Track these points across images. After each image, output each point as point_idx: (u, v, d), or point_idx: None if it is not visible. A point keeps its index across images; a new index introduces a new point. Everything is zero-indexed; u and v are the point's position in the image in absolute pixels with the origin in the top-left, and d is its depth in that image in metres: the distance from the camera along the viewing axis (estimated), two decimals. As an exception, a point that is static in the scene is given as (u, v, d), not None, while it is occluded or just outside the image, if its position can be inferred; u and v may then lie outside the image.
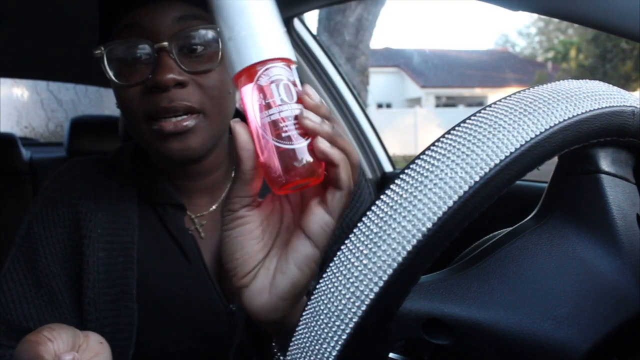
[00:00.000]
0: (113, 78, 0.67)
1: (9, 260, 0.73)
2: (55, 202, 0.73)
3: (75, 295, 0.71)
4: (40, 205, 0.74)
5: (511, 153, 0.32)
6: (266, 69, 0.42)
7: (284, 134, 0.41)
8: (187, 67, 0.66)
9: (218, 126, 0.69)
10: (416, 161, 0.33)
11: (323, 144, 0.42)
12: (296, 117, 0.42)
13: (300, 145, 0.42)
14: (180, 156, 0.68)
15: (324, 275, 0.33)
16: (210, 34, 0.67)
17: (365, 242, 0.32)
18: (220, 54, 0.66)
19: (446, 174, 0.32)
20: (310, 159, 0.42)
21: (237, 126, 0.42)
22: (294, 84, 0.43)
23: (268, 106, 0.42)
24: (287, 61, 0.43)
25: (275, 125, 0.41)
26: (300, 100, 0.43)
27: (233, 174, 0.78)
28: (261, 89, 0.42)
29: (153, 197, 0.75)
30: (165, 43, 0.65)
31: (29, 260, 0.72)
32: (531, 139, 0.32)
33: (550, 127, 0.33)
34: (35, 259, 0.72)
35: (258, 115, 0.42)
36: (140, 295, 0.71)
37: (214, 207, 0.76)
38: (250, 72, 0.42)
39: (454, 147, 0.33)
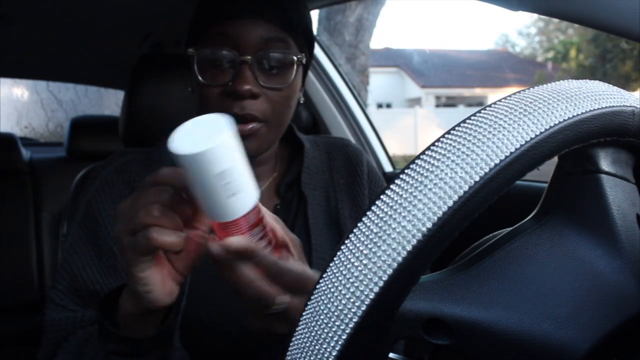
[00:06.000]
0: (199, 76, 0.76)
1: (70, 237, 0.81)
2: (112, 181, 0.81)
3: None
4: (97, 185, 0.82)
5: (511, 153, 0.32)
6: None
7: None
8: (263, 82, 0.75)
9: (275, 134, 0.80)
10: (416, 161, 0.33)
11: None
12: None
13: None
14: None
15: (324, 275, 0.33)
16: (288, 58, 0.76)
17: (365, 242, 0.32)
18: (293, 75, 0.76)
19: (446, 174, 0.32)
20: None
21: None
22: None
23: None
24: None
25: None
26: None
27: (275, 173, 0.88)
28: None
29: None
30: (249, 57, 0.74)
31: (90, 233, 0.79)
32: (531, 139, 0.32)
33: (550, 127, 0.33)
34: (96, 231, 0.79)
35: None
36: None
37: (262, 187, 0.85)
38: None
39: (454, 147, 0.33)
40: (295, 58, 0.76)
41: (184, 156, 0.45)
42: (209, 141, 0.45)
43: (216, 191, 0.47)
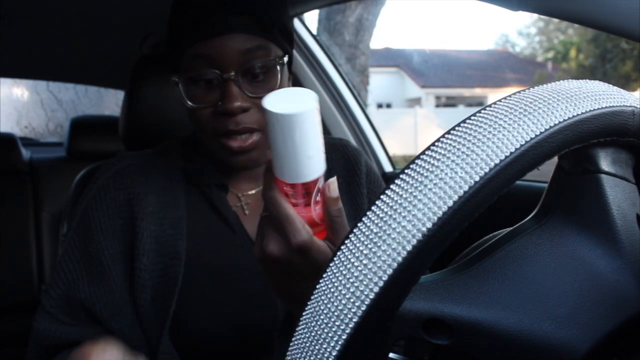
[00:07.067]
0: (188, 102, 0.77)
1: (66, 243, 0.82)
2: (109, 187, 0.82)
3: (125, 267, 0.79)
4: (94, 191, 0.82)
5: (511, 153, 0.32)
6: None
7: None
8: (250, 93, 0.75)
9: None
10: (416, 161, 0.33)
11: None
12: None
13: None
14: (244, 167, 0.80)
15: (324, 275, 0.33)
16: (270, 63, 0.76)
17: (365, 242, 0.32)
18: (279, 78, 0.76)
19: (446, 174, 0.32)
20: None
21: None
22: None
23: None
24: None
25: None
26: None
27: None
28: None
29: (200, 179, 0.84)
30: (232, 73, 0.74)
31: (84, 239, 0.80)
32: (531, 139, 0.32)
33: (550, 127, 0.33)
34: (89, 237, 0.79)
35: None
36: (188, 260, 0.79)
37: (257, 190, 0.87)
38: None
39: (454, 147, 0.33)
40: (277, 62, 0.76)
41: (278, 115, 0.49)
42: (301, 106, 0.50)
43: (293, 153, 0.51)
